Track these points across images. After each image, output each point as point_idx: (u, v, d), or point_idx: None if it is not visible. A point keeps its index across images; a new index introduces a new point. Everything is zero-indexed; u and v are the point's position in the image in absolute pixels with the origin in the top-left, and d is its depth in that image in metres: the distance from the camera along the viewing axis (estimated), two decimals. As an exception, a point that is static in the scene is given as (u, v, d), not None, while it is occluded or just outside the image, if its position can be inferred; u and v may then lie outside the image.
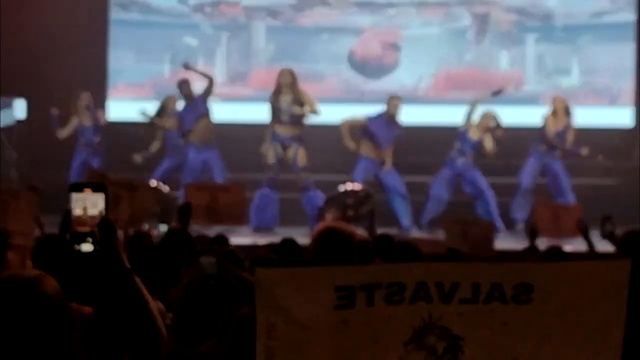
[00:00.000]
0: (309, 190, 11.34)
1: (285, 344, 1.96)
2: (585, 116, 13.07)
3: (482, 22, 13.98)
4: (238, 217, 7.09)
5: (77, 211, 2.50)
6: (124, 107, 13.08)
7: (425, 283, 1.96)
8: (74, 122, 11.60)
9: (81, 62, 12.79)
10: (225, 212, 6.92)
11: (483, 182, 11.65)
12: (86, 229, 2.50)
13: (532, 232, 6.66)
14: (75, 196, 2.51)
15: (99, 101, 13.18)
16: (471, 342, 1.98)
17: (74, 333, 2.32)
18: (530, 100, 13.67)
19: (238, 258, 6.17)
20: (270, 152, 11.41)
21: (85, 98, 11.69)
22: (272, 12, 14.20)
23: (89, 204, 2.51)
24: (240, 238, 9.34)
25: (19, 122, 12.29)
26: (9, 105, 12.23)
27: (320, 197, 11.01)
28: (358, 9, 14.14)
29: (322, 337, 1.96)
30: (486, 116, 11.66)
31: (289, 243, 6.66)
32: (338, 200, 10.38)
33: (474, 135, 11.62)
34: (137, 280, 2.48)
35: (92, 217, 2.51)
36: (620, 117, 13.37)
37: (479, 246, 6.54)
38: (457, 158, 11.63)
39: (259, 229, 11.00)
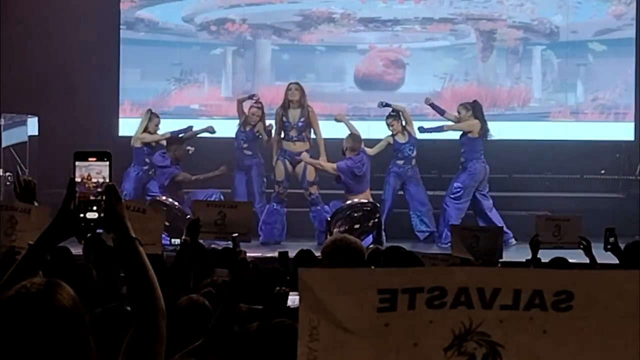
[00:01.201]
0: (317, 205, 11.70)
1: (327, 346, 1.98)
2: (591, 131, 13.47)
3: (488, 38, 14.32)
4: (243, 234, 7.16)
5: (81, 178, 2.52)
6: (131, 125, 13.36)
7: (466, 288, 1.99)
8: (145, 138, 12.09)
9: (93, 81, 13.25)
10: (231, 228, 7.07)
11: (423, 194, 11.98)
12: (91, 196, 2.51)
13: (535, 244, 6.98)
14: (79, 165, 2.53)
15: (112, 119, 13.74)
16: (510, 350, 1.99)
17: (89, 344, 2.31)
18: (536, 116, 14.04)
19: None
20: (279, 168, 11.77)
21: (157, 121, 12.22)
22: (277, 30, 14.56)
23: (93, 172, 2.53)
24: (248, 252, 9.78)
25: (31, 138, 12.67)
26: (22, 123, 12.63)
27: (327, 211, 11.36)
28: (363, 26, 14.48)
29: (363, 339, 1.98)
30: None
31: (306, 254, 6.96)
32: (345, 214, 10.68)
33: (400, 139, 11.95)
34: (141, 250, 2.50)
35: (97, 185, 2.52)
36: (625, 132, 13.72)
37: (487, 252, 6.89)
38: (399, 167, 11.92)
39: (266, 243, 11.40)
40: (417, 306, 1.99)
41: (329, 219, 10.65)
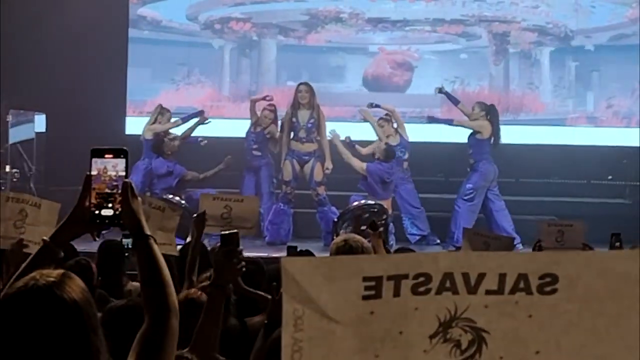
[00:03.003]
0: (324, 205, 12.33)
1: (312, 336, 2.05)
2: (599, 136, 14.11)
3: (501, 41, 14.84)
4: (250, 228, 7.64)
5: (97, 171, 2.67)
6: (136, 123, 14.07)
7: (451, 274, 2.06)
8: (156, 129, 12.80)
9: (100, 79, 13.99)
10: (238, 222, 7.45)
11: (414, 197, 12.61)
12: (106, 189, 2.65)
13: (537, 250, 7.39)
14: (96, 161, 2.67)
15: (119, 118, 14.45)
16: (495, 335, 2.06)
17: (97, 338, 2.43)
18: (547, 121, 14.62)
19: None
20: (286, 168, 12.38)
21: (168, 115, 12.92)
22: (283, 30, 15.08)
23: (109, 166, 2.67)
24: (253, 252, 10.42)
25: (38, 135, 13.44)
26: (30, 120, 13.40)
27: (334, 212, 12.00)
28: (372, 27, 14.97)
29: (349, 328, 2.06)
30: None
31: (306, 254, 7.27)
32: (352, 215, 11.20)
33: (392, 141, 12.51)
34: (155, 247, 2.64)
35: (113, 178, 2.65)
36: (632, 138, 14.26)
37: None
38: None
39: (272, 243, 12.03)
40: (403, 293, 2.07)
41: (335, 219, 11.31)
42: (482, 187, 12.43)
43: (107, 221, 2.65)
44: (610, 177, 13.91)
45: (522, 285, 2.06)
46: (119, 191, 2.64)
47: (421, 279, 2.07)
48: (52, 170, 12.92)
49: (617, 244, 7.43)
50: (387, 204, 12.07)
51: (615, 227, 9.47)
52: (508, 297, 2.07)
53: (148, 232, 2.63)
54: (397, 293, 2.07)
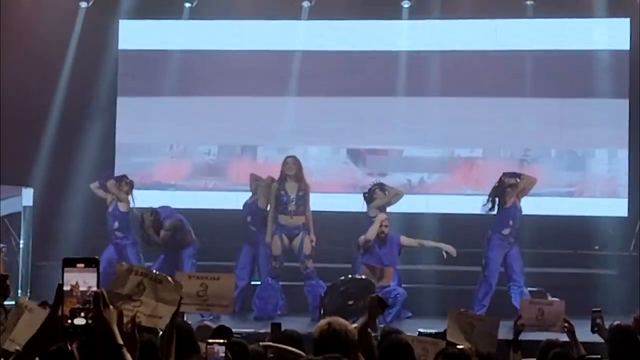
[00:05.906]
0: (312, 279, 12.86)
1: None
2: (585, 207, 14.73)
3: None
4: (226, 306, 7.79)
5: (69, 286, 2.88)
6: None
7: None
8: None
9: (88, 151, 14.64)
10: (214, 301, 7.64)
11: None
12: (78, 304, 2.86)
13: (517, 328, 7.76)
14: (67, 272, 2.89)
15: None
16: None
17: None
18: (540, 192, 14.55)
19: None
20: (275, 244, 12.89)
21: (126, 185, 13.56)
22: None
23: (81, 281, 2.87)
24: (241, 327, 10.77)
25: (25, 209, 13.91)
26: (17, 194, 13.85)
27: (322, 285, 12.47)
28: None
29: None
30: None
31: (291, 334, 7.52)
32: (339, 290, 11.67)
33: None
34: (128, 356, 2.83)
35: (85, 292, 2.87)
36: (618, 208, 14.72)
37: (481, 341, 7.51)
38: None
39: (259, 318, 12.51)
40: None
41: (322, 294, 11.71)
42: None
43: (79, 330, 2.85)
44: (597, 247, 14.44)
45: None
46: (91, 306, 2.85)
47: None
48: (40, 244, 13.41)
49: (598, 320, 7.88)
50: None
51: (602, 298, 10.04)
52: None
53: (120, 342, 2.84)
54: None
